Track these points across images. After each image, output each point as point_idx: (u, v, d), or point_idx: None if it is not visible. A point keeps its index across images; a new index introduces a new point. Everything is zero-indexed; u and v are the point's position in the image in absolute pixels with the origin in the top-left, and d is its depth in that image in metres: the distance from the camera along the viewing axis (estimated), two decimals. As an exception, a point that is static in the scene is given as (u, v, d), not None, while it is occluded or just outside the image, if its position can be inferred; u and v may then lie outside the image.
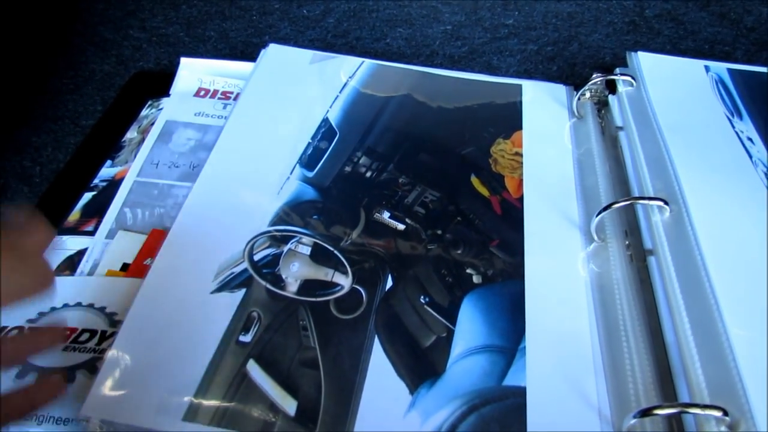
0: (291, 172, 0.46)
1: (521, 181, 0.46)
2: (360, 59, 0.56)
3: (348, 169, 0.47)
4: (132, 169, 0.47)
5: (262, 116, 0.50)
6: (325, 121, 0.50)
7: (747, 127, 0.46)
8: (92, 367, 0.36)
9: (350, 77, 0.54)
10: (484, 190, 0.46)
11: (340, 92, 0.53)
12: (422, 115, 0.52)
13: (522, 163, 0.48)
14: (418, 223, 0.44)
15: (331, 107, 0.51)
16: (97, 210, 0.45)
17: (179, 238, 0.41)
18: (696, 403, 0.30)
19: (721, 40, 0.66)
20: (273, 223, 0.43)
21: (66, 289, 0.40)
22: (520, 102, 0.53)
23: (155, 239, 0.42)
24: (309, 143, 0.48)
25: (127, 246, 0.42)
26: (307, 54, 0.57)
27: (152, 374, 0.34)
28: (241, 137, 0.48)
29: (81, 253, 0.42)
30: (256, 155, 0.47)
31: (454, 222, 0.44)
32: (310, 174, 0.46)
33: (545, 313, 0.38)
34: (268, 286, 0.39)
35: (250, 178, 0.45)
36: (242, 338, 0.36)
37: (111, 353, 0.35)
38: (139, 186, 0.46)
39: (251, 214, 0.43)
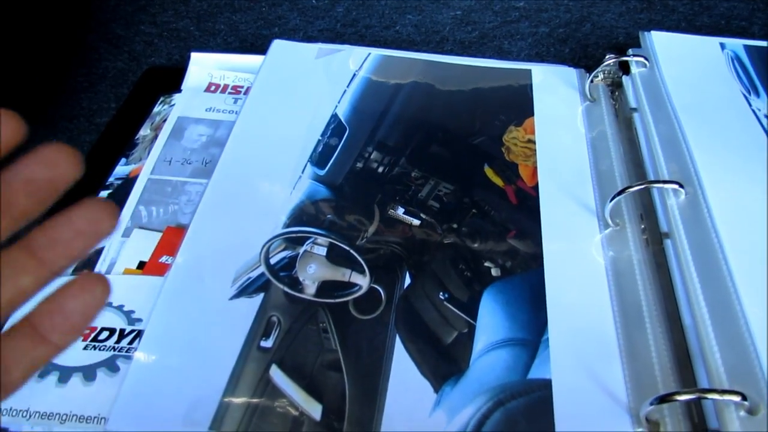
0: (302, 171, 0.46)
1: (535, 169, 0.46)
2: (367, 50, 0.56)
3: (359, 165, 0.47)
4: (146, 167, 0.48)
5: (271, 115, 0.50)
6: (334, 117, 0.50)
7: (764, 105, 0.45)
8: (112, 366, 0.36)
9: (358, 69, 0.54)
10: (498, 180, 0.46)
11: (348, 86, 0.52)
12: (432, 106, 0.51)
13: (535, 150, 0.47)
14: (433, 217, 0.43)
15: (339, 102, 0.51)
16: (113, 208, 0.45)
17: (195, 242, 0.41)
18: (714, 388, 0.30)
19: (738, 14, 0.64)
20: (287, 224, 0.42)
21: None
22: (531, 87, 0.52)
23: (170, 237, 0.42)
24: (319, 140, 0.48)
25: (143, 244, 0.43)
26: (313, 48, 0.56)
27: (176, 384, 0.34)
28: (251, 138, 0.48)
29: (98, 253, 0.43)
30: (266, 156, 0.47)
31: (469, 214, 0.43)
32: (322, 172, 0.46)
33: (567, 303, 0.38)
34: (286, 289, 0.39)
35: (261, 179, 0.45)
36: (263, 344, 0.36)
37: (135, 362, 0.35)
38: (153, 184, 0.47)
39: (265, 215, 0.43)
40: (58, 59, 0.62)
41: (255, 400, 0.34)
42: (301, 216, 0.43)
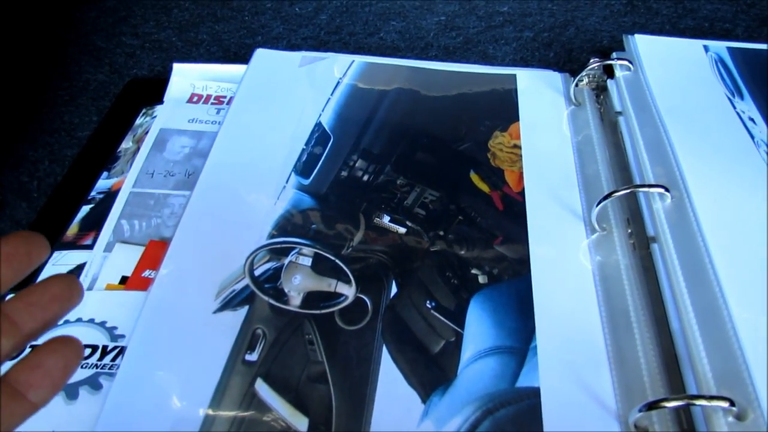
0: (287, 181, 0.45)
1: (521, 174, 0.46)
2: (351, 57, 0.55)
3: (344, 173, 0.46)
4: (127, 180, 0.47)
5: (254, 125, 0.50)
6: (318, 125, 0.50)
7: (748, 107, 0.45)
8: (95, 383, 0.35)
9: (342, 77, 0.54)
10: (484, 186, 0.45)
11: (332, 93, 0.52)
12: (417, 112, 0.51)
13: (521, 155, 0.47)
14: (419, 225, 0.43)
15: (323, 110, 0.51)
16: (94, 223, 0.45)
17: (178, 255, 0.41)
18: (702, 394, 0.30)
19: (721, 17, 0.65)
20: (271, 235, 0.42)
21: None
22: (515, 92, 0.52)
23: (153, 251, 0.42)
24: (303, 149, 0.48)
25: (126, 258, 0.42)
26: (296, 57, 0.56)
27: (160, 400, 0.34)
28: (234, 149, 0.48)
29: (80, 268, 0.42)
30: (250, 166, 0.46)
31: (455, 221, 0.43)
32: (306, 181, 0.46)
33: (554, 310, 0.38)
34: (271, 301, 0.39)
35: (245, 189, 0.45)
36: (248, 357, 0.36)
37: (118, 378, 0.35)
38: (135, 197, 0.46)
39: (249, 227, 0.42)
40: (38, 72, 0.62)
41: (240, 415, 0.33)
42: (285, 226, 0.42)
